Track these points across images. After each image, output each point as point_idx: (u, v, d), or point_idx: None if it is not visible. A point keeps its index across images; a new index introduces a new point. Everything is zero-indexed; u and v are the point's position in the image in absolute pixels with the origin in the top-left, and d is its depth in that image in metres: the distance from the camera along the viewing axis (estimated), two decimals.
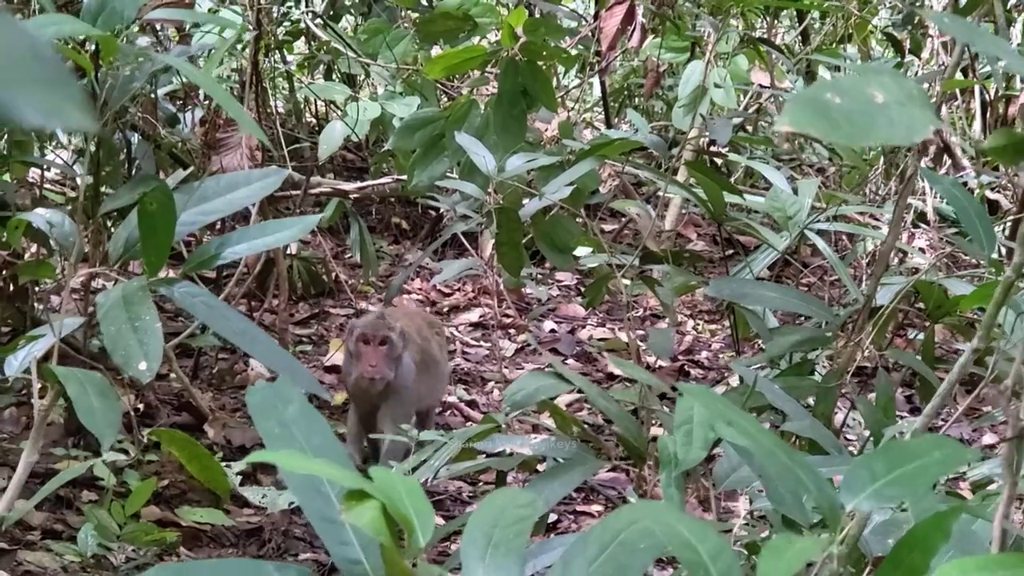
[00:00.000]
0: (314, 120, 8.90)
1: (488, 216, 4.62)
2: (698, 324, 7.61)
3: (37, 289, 5.04)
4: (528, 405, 2.46)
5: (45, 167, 5.83)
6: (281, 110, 8.74)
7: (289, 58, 8.69)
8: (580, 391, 6.10)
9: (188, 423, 5.42)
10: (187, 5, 5.04)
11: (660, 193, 4.79)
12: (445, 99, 7.43)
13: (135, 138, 5.91)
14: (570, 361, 6.74)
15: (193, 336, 5.67)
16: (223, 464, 4.67)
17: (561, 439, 2.47)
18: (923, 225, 6.95)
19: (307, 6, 8.03)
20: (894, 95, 1.23)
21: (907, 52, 8.15)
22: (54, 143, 6.28)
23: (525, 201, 4.81)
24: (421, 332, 5.53)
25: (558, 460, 2.77)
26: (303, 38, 8.52)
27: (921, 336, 4.59)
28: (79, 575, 4.25)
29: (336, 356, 6.48)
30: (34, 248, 5.05)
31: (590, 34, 7.13)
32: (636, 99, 9.78)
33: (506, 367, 6.67)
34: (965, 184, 6.72)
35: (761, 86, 7.16)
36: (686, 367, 6.76)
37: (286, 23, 8.02)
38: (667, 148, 4.36)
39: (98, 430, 2.05)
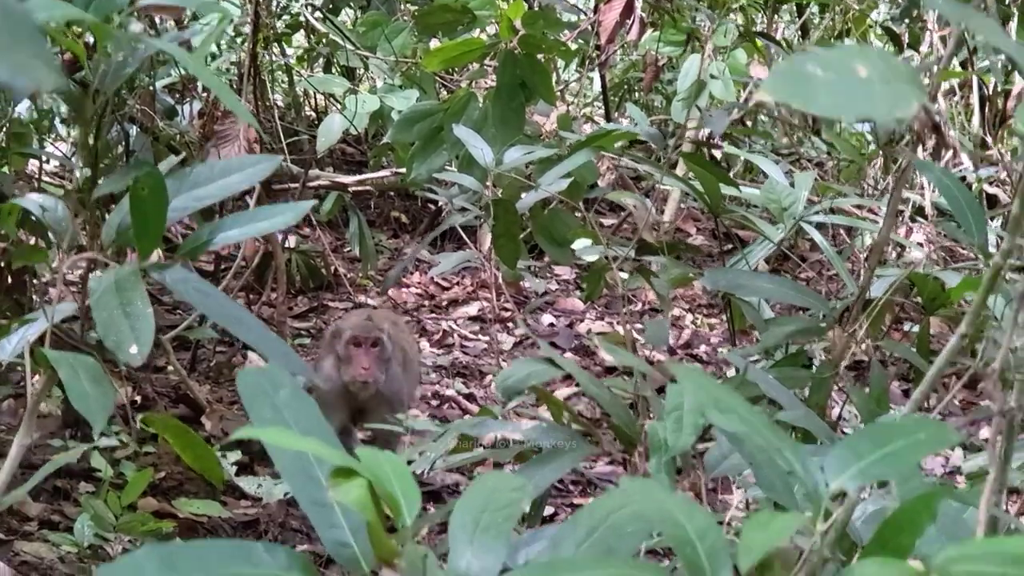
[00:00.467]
0: (313, 114, 8.91)
1: (486, 209, 4.63)
2: (697, 318, 7.62)
3: (35, 281, 5.04)
4: (520, 390, 2.47)
5: (44, 159, 5.84)
6: (280, 104, 8.75)
7: (288, 51, 8.69)
8: (576, 385, 6.11)
9: (185, 415, 5.42)
10: None
11: (658, 186, 4.79)
12: (444, 92, 7.43)
13: (133, 130, 5.91)
14: (568, 354, 6.74)
15: (191, 328, 5.68)
16: (219, 456, 4.68)
17: (553, 426, 2.48)
18: (921, 219, 6.95)
19: None
20: (879, 71, 1.23)
21: (906, 46, 8.15)
22: (53, 136, 6.28)
23: (524, 195, 4.81)
24: (400, 337, 5.37)
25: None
26: (302, 31, 8.52)
27: (917, 329, 4.60)
28: (76, 566, 4.26)
29: None
30: (32, 242, 5.06)
31: (589, 28, 7.13)
32: (636, 93, 9.79)
33: (504, 360, 6.67)
34: (963, 179, 6.73)
35: (760, 80, 7.15)
36: (684, 361, 6.77)
37: (285, 16, 8.03)
38: (664, 140, 4.36)
39: (90, 414, 2.06)
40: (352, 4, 8.56)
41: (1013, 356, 2.96)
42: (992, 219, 5.95)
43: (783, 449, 1.67)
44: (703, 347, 7.21)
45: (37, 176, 5.79)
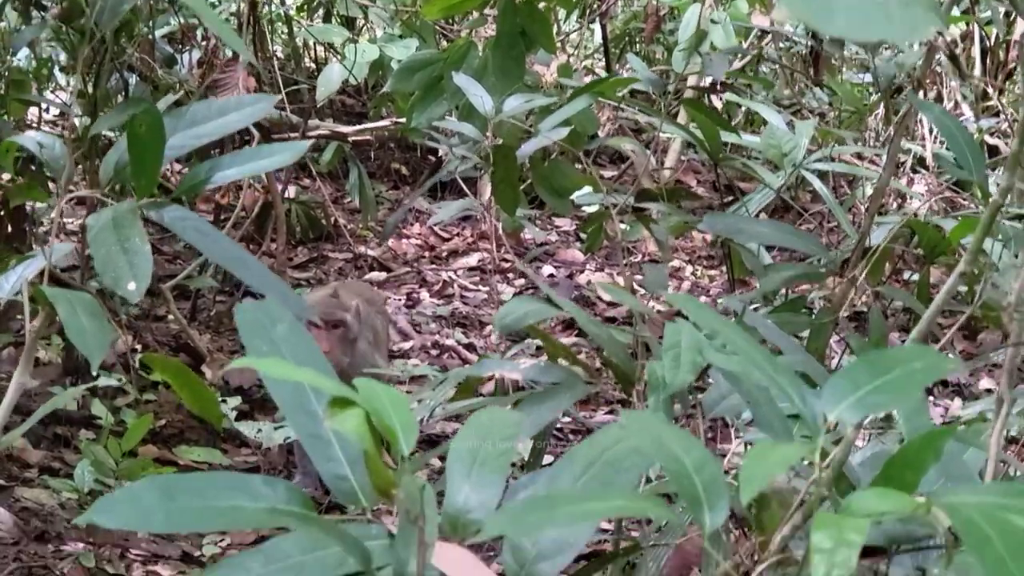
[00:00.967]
0: (313, 64, 8.88)
1: (486, 158, 4.62)
2: (696, 270, 7.62)
3: (34, 231, 5.05)
4: (517, 328, 2.47)
5: (43, 107, 5.83)
6: (280, 55, 8.72)
7: (287, 0, 8.65)
8: (575, 333, 6.12)
9: (186, 364, 5.42)
10: None
11: (659, 137, 4.78)
12: (444, 41, 7.40)
13: (132, 79, 5.90)
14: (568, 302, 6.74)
15: (191, 278, 5.68)
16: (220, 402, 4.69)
17: (552, 365, 2.48)
18: (922, 170, 6.94)
19: None
20: None
21: None
22: (52, 84, 6.27)
23: (524, 143, 4.80)
24: (370, 308, 5.09)
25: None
26: None
27: (917, 277, 4.60)
28: (76, 512, 4.27)
29: None
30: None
31: None
32: (637, 45, 9.75)
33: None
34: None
35: (762, 30, 7.13)
36: (683, 312, 6.76)
37: None
38: (664, 87, 4.34)
39: (88, 350, 2.06)
40: None
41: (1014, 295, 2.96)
42: (993, 169, 5.93)
43: (780, 380, 1.67)
44: (703, 298, 7.21)
45: (36, 125, 5.78)
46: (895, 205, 6.85)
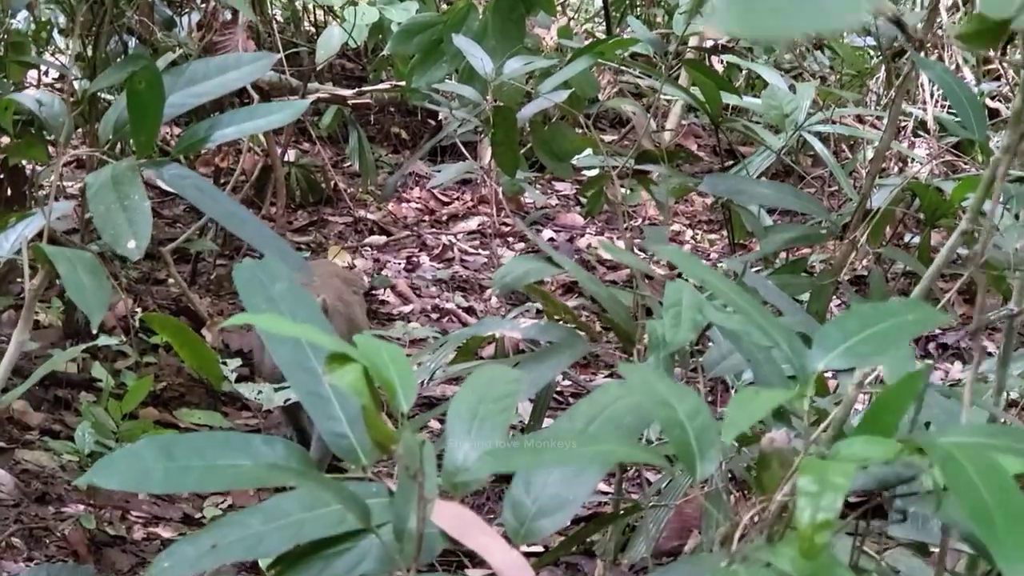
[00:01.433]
0: (312, 28, 8.85)
1: (486, 122, 4.61)
2: (697, 234, 7.61)
3: (34, 195, 5.04)
4: (517, 287, 2.46)
5: (43, 70, 5.81)
6: (279, 19, 8.68)
7: None
8: (576, 294, 6.12)
9: None
10: None
11: (659, 97, 4.76)
12: (444, 4, 7.38)
13: (131, 42, 5.88)
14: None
15: (190, 241, 5.68)
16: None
17: (552, 324, 2.48)
18: (923, 134, 6.93)
19: None
20: None
21: None
22: (51, 48, 6.25)
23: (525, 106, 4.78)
24: (343, 297, 4.86)
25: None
26: None
27: (917, 240, 4.59)
28: (77, 474, 4.28)
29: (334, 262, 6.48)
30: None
31: None
32: (638, 8, 9.72)
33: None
34: None
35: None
36: (683, 275, 6.76)
37: None
38: (665, 49, 4.33)
39: (88, 308, 2.05)
40: None
41: (1013, 256, 2.96)
42: (994, 132, 5.92)
43: (771, 330, 1.67)
44: (703, 262, 7.20)
45: (36, 87, 5.76)
46: (896, 169, 6.83)
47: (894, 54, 5.80)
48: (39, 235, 2.35)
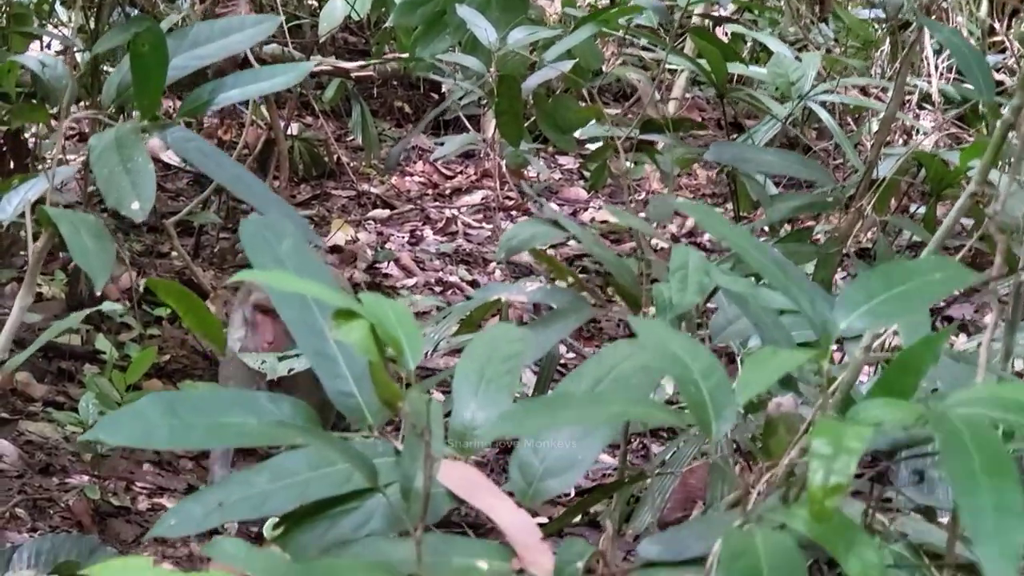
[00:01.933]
0: (315, 2, 8.81)
1: (490, 93, 4.59)
2: None
3: (39, 166, 5.03)
4: (523, 250, 2.45)
5: (45, 41, 5.79)
6: None
7: None
8: (583, 271, 6.11)
9: None
10: None
11: (664, 66, 4.74)
12: None
13: (134, 13, 5.86)
14: (571, 243, 6.73)
15: (194, 214, 5.67)
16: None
17: (557, 288, 2.47)
18: (928, 106, 6.91)
19: None
20: None
21: None
22: (54, 20, 6.23)
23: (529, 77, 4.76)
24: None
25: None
26: None
27: (923, 210, 4.58)
28: (81, 445, 4.27)
29: (337, 235, 6.47)
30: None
31: None
32: None
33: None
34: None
35: None
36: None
37: None
38: (670, 17, 4.31)
39: (91, 269, 2.04)
40: None
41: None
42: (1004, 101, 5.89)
43: (791, 285, 1.65)
44: (707, 236, 7.19)
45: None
46: (901, 142, 6.81)
47: (899, 25, 5.78)
48: (42, 200, 2.34)
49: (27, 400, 4.61)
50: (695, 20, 5.74)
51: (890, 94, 4.89)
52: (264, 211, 2.15)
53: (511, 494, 1.77)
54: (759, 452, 2.01)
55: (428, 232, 6.93)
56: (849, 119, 7.33)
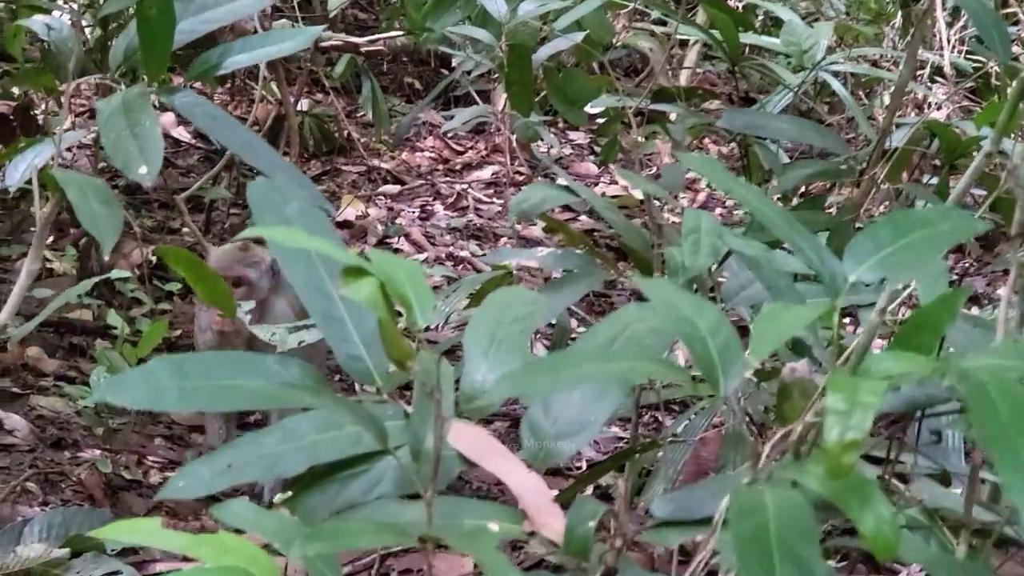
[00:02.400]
0: None
1: (500, 67, 4.57)
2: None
3: (50, 134, 5.01)
4: (534, 214, 2.43)
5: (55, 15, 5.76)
6: None
7: None
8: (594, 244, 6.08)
9: None
10: None
11: (676, 35, 4.70)
12: None
13: None
14: (582, 217, 6.71)
15: (204, 189, 5.66)
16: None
17: (568, 252, 2.45)
18: (940, 79, 6.87)
19: None
20: None
21: None
22: None
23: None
24: None
25: None
26: None
27: (935, 181, 4.55)
28: (92, 418, 4.27)
29: (347, 211, 6.47)
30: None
31: None
32: None
33: (519, 223, 6.64)
34: (983, 42, 6.62)
35: None
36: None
37: None
38: None
39: (99, 234, 2.03)
40: None
41: None
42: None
43: (799, 239, 1.63)
44: (719, 210, 7.17)
45: None
46: (913, 114, 6.77)
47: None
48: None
49: (38, 375, 4.60)
50: None
51: (902, 65, 4.86)
52: (272, 176, 2.13)
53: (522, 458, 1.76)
54: (773, 419, 2.00)
55: (439, 207, 6.92)
56: (861, 93, 7.30)
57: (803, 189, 5.18)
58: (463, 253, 6.28)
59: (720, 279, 2.66)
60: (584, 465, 4.30)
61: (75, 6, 6.19)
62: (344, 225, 6.34)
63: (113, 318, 4.79)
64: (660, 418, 4.49)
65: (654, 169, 7.46)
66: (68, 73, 2.31)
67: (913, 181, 5.18)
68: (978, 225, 1.59)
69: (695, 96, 4.39)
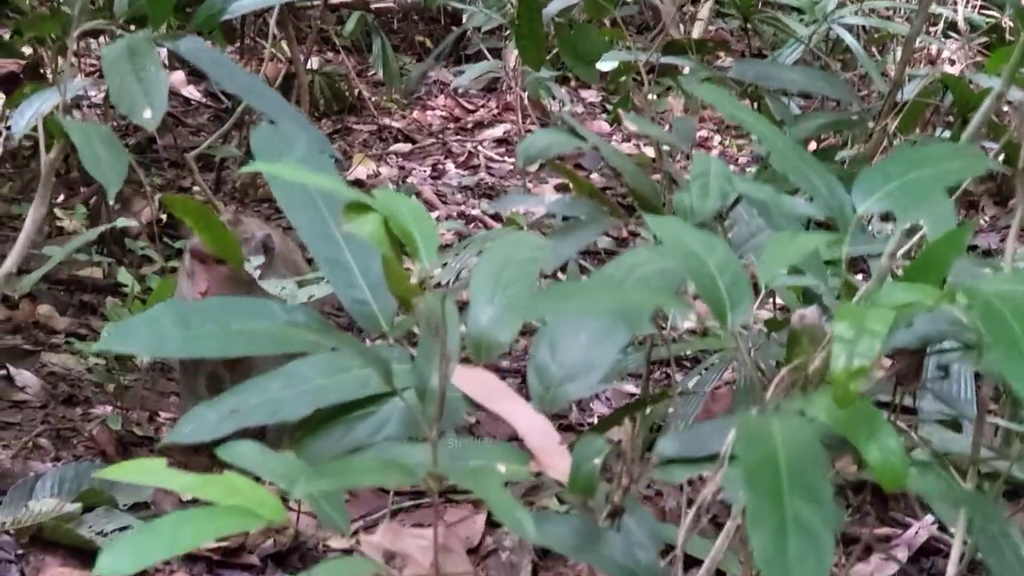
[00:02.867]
0: None
1: (511, 23, 4.55)
2: (725, 139, 7.54)
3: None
4: (542, 159, 2.42)
5: None
6: None
7: None
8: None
9: None
10: None
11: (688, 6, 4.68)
12: None
13: None
14: (594, 176, 6.69)
15: (214, 148, 5.65)
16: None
17: (576, 199, 2.43)
18: (954, 34, 6.83)
19: None
20: None
21: None
22: None
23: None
24: (287, 244, 3.97)
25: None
26: None
27: (948, 134, 4.53)
28: (103, 375, 4.27)
29: (358, 170, 6.46)
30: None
31: None
32: None
33: (530, 182, 6.63)
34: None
35: None
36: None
37: None
38: None
39: (104, 178, 2.02)
40: None
41: None
42: None
43: (807, 170, 1.61)
44: (731, 167, 7.13)
45: None
46: (926, 70, 6.73)
47: None
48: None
49: (49, 332, 4.60)
50: None
51: (915, 17, 4.83)
52: (276, 119, 2.12)
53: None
54: (784, 361, 1.98)
55: (450, 166, 6.90)
56: (874, 49, 7.26)
57: (814, 146, 5.16)
58: (475, 212, 6.26)
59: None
60: (596, 421, 4.30)
61: None
62: (355, 184, 6.32)
63: (123, 276, 4.80)
64: (671, 374, 4.48)
65: (666, 127, 7.44)
66: (74, 20, 2.30)
67: (927, 132, 5.17)
68: (985, 162, 1.57)
69: (707, 48, 4.36)
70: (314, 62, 7.16)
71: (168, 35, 2.18)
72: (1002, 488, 2.13)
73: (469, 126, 7.48)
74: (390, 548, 1.68)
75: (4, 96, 4.89)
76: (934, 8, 6.05)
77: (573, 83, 7.94)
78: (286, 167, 1.58)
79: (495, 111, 7.63)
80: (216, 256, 3.48)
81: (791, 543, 1.24)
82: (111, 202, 2.43)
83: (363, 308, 1.81)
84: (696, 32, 7.31)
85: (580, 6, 5.16)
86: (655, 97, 5.08)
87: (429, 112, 7.58)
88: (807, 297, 2.91)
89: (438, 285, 3.82)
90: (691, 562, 2.56)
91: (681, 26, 6.56)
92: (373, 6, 6.85)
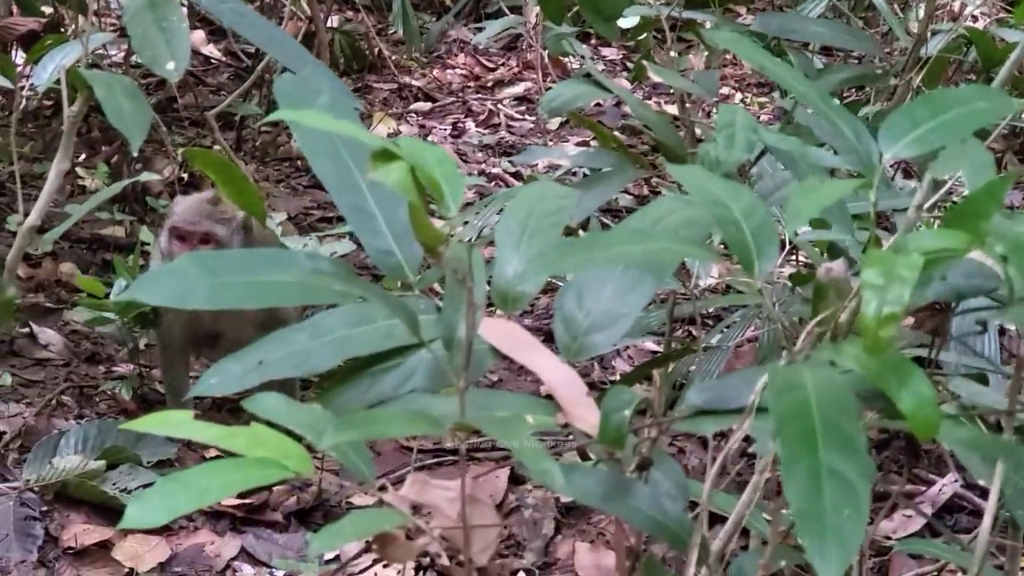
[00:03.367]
0: None
1: None
2: (746, 97, 7.49)
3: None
4: (566, 111, 2.40)
5: None
6: None
7: None
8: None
9: None
10: None
11: None
12: None
13: None
14: (615, 134, 6.66)
15: (234, 106, 5.64)
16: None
17: (600, 150, 2.42)
18: None
19: None
20: None
21: None
22: None
23: None
24: (263, 230, 3.85)
25: None
26: None
27: None
28: (126, 335, 4.27)
29: (379, 128, 6.43)
30: None
31: None
32: None
33: (551, 140, 6.61)
34: None
35: None
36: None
37: None
38: None
39: (127, 129, 2.01)
40: None
41: None
42: None
43: (833, 115, 1.59)
44: None
45: None
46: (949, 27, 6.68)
47: None
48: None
49: (72, 291, 4.61)
50: None
51: None
52: (296, 69, 2.10)
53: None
54: (811, 314, 1.97)
55: (470, 124, 6.88)
56: (896, 6, 7.20)
57: (837, 101, 5.13)
58: (495, 170, 6.24)
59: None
60: (618, 379, 4.29)
61: None
62: None
63: (145, 234, 4.80)
64: (694, 332, 4.47)
65: None
66: None
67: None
68: (1012, 105, 1.55)
69: (729, 2, 4.32)
70: (334, 20, 7.13)
71: None
72: None
73: (489, 84, 7.45)
74: (416, 500, 1.67)
75: (24, 54, 4.88)
76: None
77: (594, 40, 7.89)
78: (310, 114, 1.56)
79: (515, 69, 7.60)
80: (199, 234, 3.53)
81: (826, 495, 1.23)
82: (134, 154, 2.42)
83: (388, 258, 1.80)
84: None
85: None
86: (677, 55, 5.02)
87: (449, 71, 7.55)
88: (832, 252, 2.89)
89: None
90: (715, 519, 2.55)
91: None
92: None
